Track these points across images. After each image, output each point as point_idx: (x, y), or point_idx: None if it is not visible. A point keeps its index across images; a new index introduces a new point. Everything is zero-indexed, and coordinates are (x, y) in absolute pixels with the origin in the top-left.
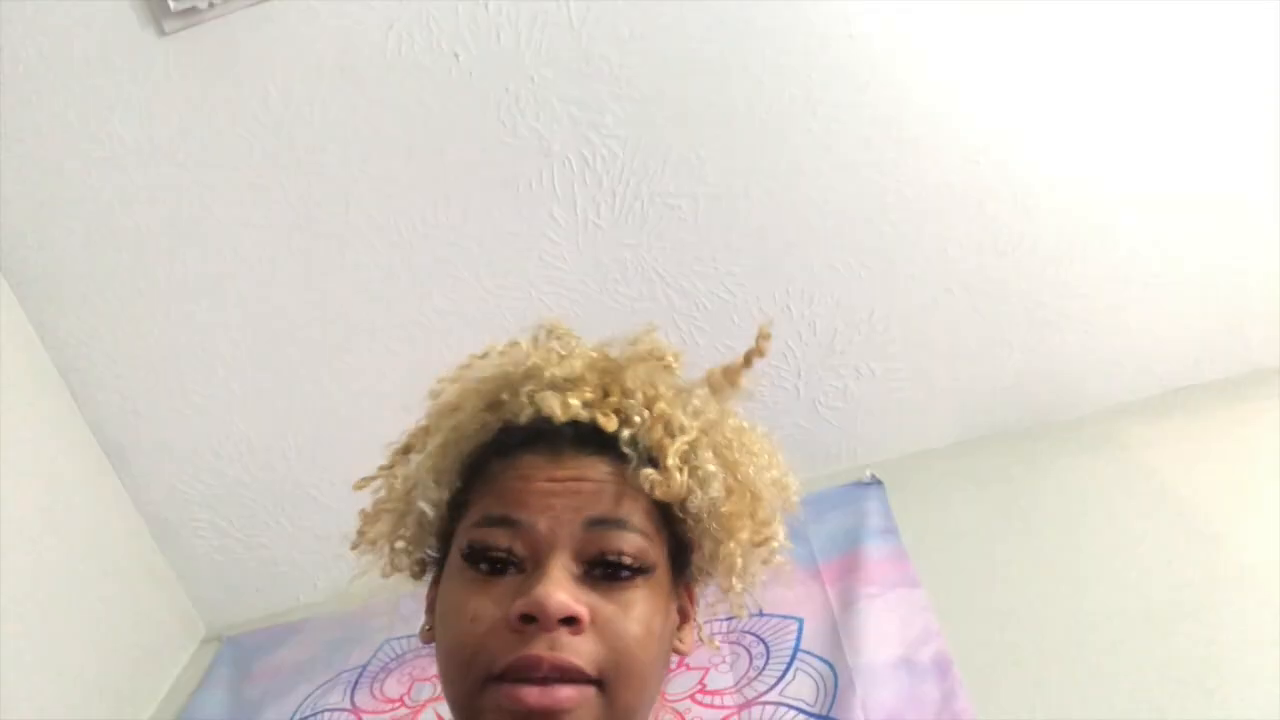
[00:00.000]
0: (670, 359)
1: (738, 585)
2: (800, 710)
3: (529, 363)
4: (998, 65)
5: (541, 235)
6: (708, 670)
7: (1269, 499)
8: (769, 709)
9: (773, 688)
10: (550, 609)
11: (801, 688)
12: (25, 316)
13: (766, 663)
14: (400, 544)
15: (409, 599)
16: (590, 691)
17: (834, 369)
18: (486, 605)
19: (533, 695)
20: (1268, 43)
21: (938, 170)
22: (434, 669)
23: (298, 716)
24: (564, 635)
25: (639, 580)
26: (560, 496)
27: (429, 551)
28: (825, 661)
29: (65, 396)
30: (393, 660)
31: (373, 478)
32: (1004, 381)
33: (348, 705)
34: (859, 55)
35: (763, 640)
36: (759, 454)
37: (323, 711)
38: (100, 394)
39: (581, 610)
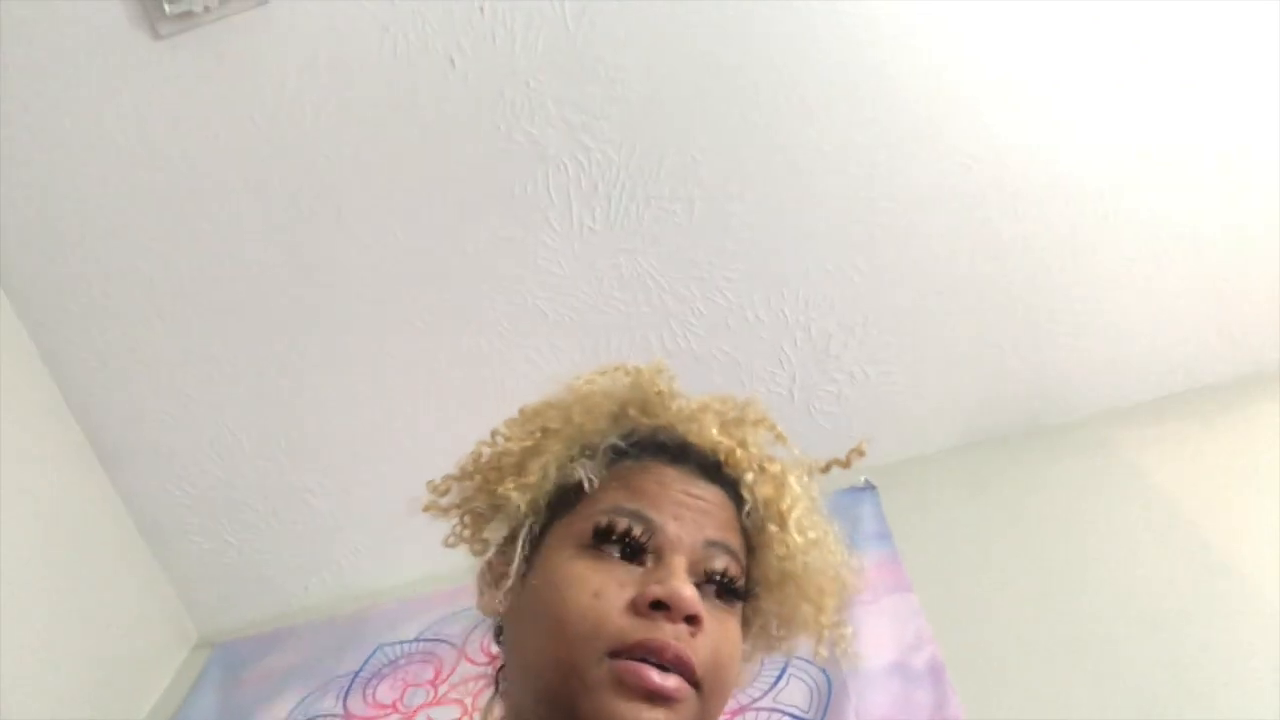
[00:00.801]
0: (780, 431)
1: (811, 648)
2: (794, 716)
3: (662, 383)
4: (992, 69)
5: (536, 239)
6: None
7: (1264, 504)
8: (763, 715)
9: (766, 694)
10: (685, 603)
11: (795, 694)
12: (18, 319)
13: (760, 669)
14: (469, 518)
15: (401, 605)
16: (692, 693)
17: (828, 373)
18: (610, 584)
19: (654, 676)
20: (1268, 52)
21: (932, 174)
22: (425, 675)
23: None
24: (684, 630)
25: (735, 606)
26: (689, 510)
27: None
28: (818, 667)
29: (57, 399)
30: (385, 665)
31: (488, 442)
32: (998, 386)
33: (340, 711)
34: (853, 59)
35: None
36: (839, 545)
37: (315, 717)
38: (92, 397)
39: (704, 613)
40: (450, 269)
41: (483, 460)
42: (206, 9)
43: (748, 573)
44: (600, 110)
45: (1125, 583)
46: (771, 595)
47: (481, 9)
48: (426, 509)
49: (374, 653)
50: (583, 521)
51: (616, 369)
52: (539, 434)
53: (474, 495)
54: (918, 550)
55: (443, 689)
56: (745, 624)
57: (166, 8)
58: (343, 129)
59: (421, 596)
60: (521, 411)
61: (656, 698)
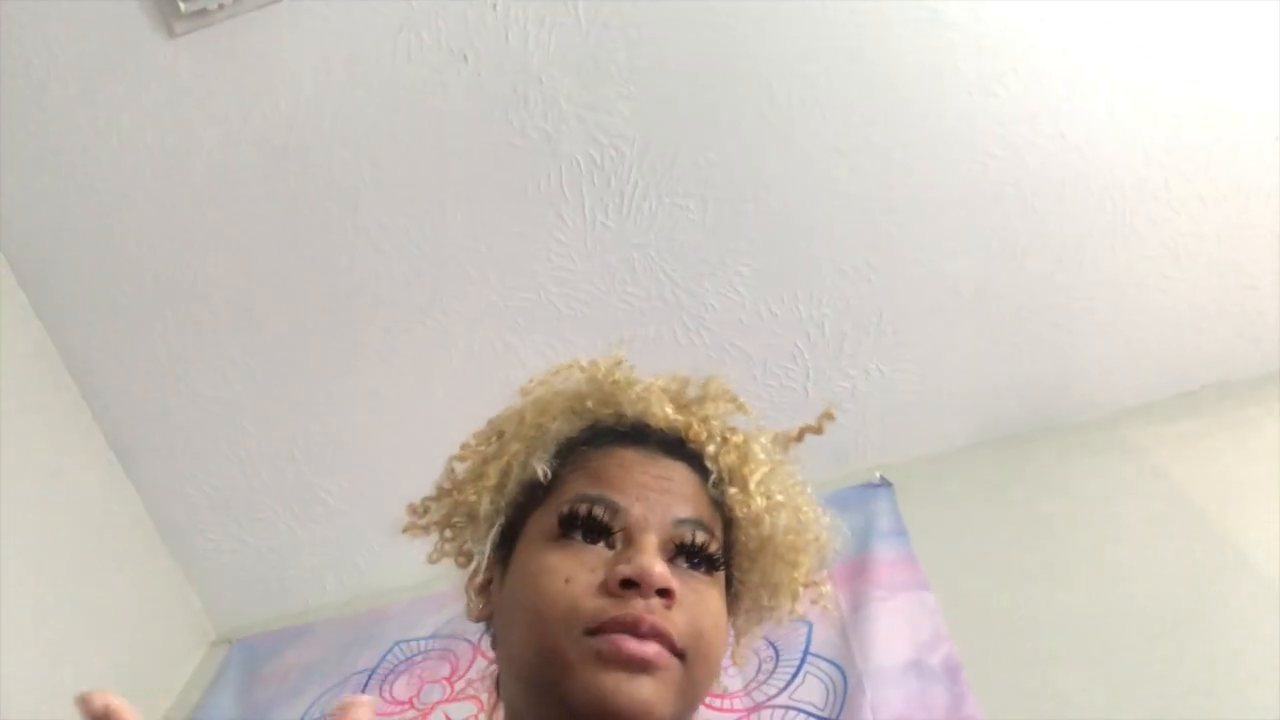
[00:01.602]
0: (743, 403)
1: (789, 609)
2: (810, 714)
3: (619, 374)
4: (1007, 68)
5: (550, 236)
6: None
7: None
8: (779, 712)
9: (782, 691)
10: (653, 577)
11: (811, 691)
12: (37, 319)
13: (776, 666)
14: (449, 532)
15: (417, 602)
16: (675, 661)
17: (843, 370)
18: (579, 569)
19: (631, 644)
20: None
21: (949, 173)
22: (442, 671)
23: (307, 719)
24: (658, 603)
25: (713, 575)
26: (654, 491)
27: (477, 542)
28: (835, 664)
29: (76, 399)
30: (402, 662)
31: (459, 456)
32: (1014, 384)
33: None
34: (868, 59)
35: (772, 643)
36: (805, 507)
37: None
38: (111, 396)
39: (676, 585)
40: (464, 266)
41: (454, 474)
42: (221, 6)
43: (727, 544)
44: (613, 108)
45: (1143, 581)
46: (754, 564)
47: (494, 7)
48: (405, 530)
49: (390, 650)
50: (549, 515)
51: (570, 366)
52: (495, 438)
53: (448, 509)
54: (934, 548)
55: (459, 685)
56: (735, 599)
57: (181, 5)
58: (357, 126)
59: (437, 594)
60: (487, 422)
61: (636, 665)
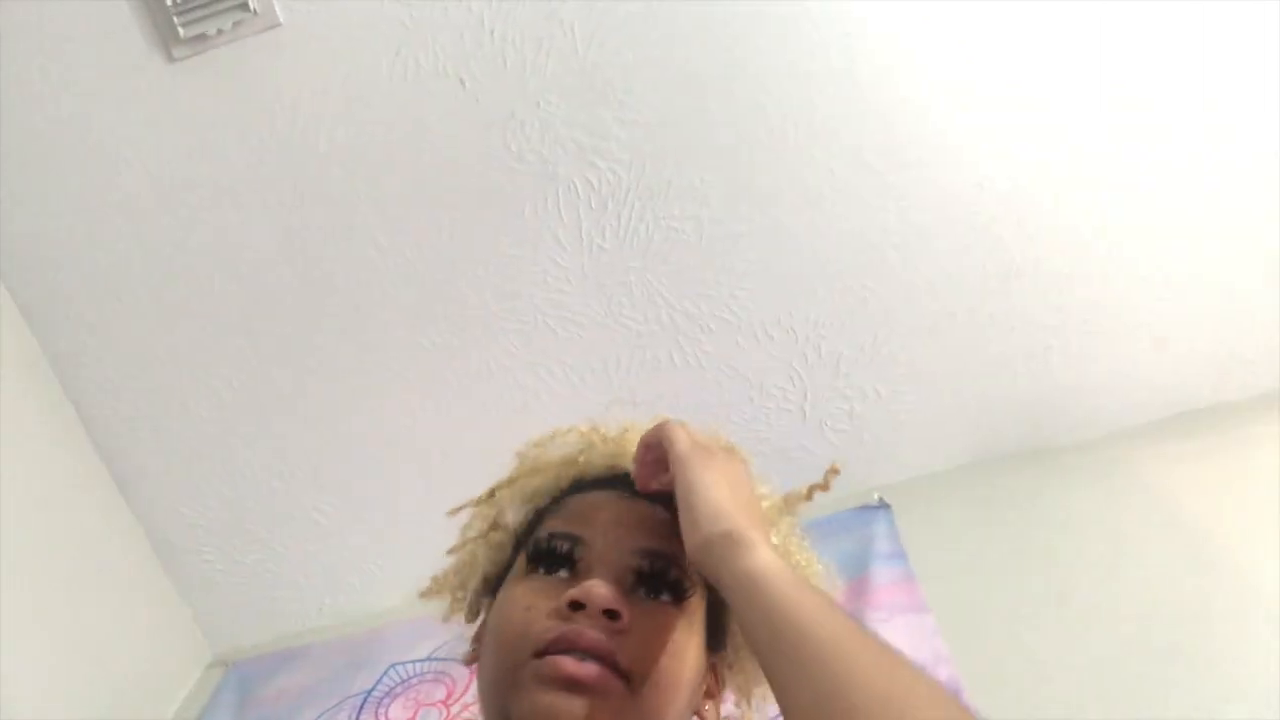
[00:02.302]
0: (744, 455)
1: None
2: None
3: (610, 433)
4: (1004, 90)
5: (546, 258)
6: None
7: (1276, 523)
8: None
9: (779, 715)
10: (597, 598)
11: None
12: (33, 339)
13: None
14: (461, 593)
15: (413, 623)
16: (619, 684)
17: (840, 391)
18: (539, 598)
19: (569, 664)
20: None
21: (943, 194)
22: (438, 694)
23: None
24: (605, 624)
25: (676, 606)
26: (620, 526)
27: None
28: None
29: (72, 419)
30: (398, 685)
31: (461, 507)
32: (1011, 404)
33: None
34: (863, 80)
35: None
36: (819, 573)
37: None
38: (106, 417)
39: (624, 607)
40: (461, 288)
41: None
42: (220, 31)
43: (718, 600)
44: (609, 131)
45: (1142, 602)
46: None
47: (492, 32)
48: (423, 596)
49: (386, 672)
50: (524, 552)
51: (569, 430)
52: (488, 497)
53: (455, 568)
54: (933, 569)
55: (455, 708)
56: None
57: (180, 30)
58: (354, 149)
59: (434, 616)
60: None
61: (574, 685)
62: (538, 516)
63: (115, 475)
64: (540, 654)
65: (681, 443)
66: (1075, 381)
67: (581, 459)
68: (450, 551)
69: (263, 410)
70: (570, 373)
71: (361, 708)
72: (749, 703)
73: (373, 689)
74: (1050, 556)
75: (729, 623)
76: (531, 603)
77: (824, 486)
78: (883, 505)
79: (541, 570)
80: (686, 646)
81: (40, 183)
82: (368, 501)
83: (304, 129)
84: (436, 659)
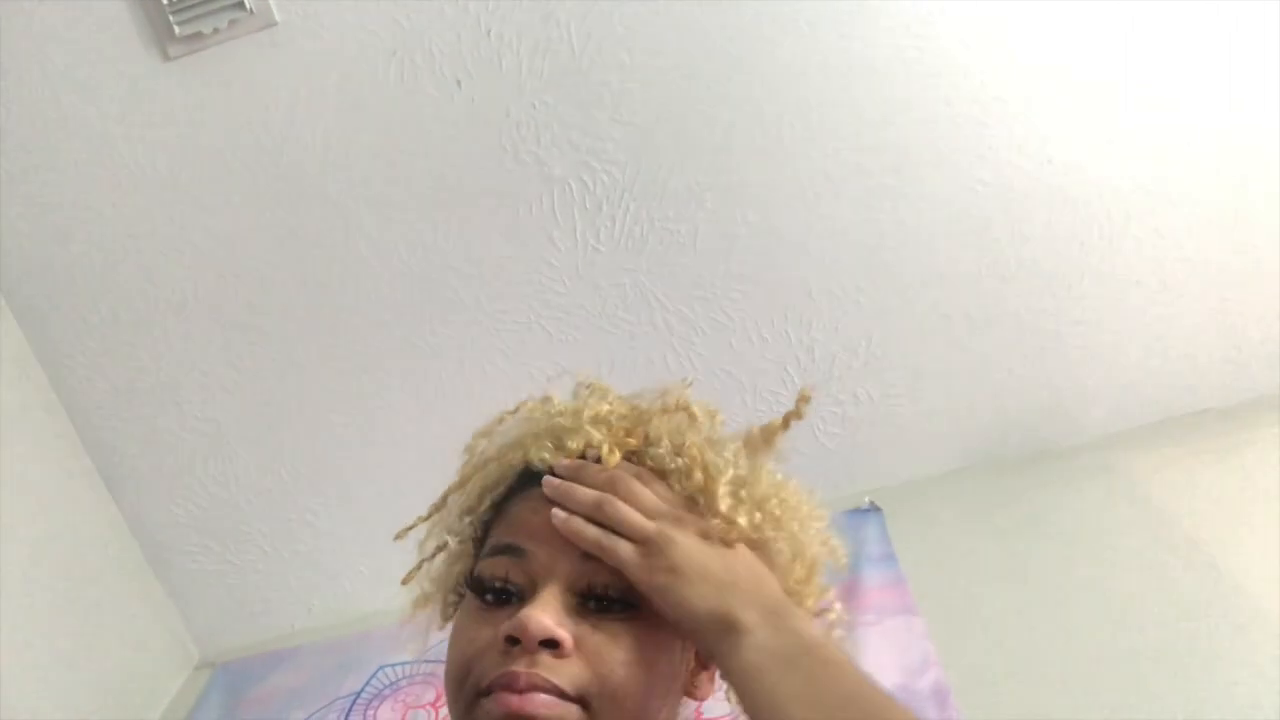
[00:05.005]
0: (697, 410)
1: None
2: None
3: (555, 408)
4: (1001, 94)
5: (541, 259)
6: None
7: (1269, 528)
8: None
9: None
10: (531, 630)
11: None
12: (24, 339)
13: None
14: (436, 594)
15: (402, 625)
16: (573, 709)
17: (832, 395)
18: (484, 630)
19: (513, 701)
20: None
21: (936, 197)
22: (427, 696)
23: None
24: (545, 657)
25: (630, 614)
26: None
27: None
28: None
29: (61, 417)
30: (386, 687)
31: (411, 528)
32: (1003, 408)
33: None
34: (858, 83)
35: None
36: (801, 509)
37: None
38: (96, 416)
39: (561, 635)
40: (455, 289)
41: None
42: (216, 30)
43: None
44: (605, 132)
45: (1133, 607)
46: None
47: (488, 32)
48: (416, 608)
49: (375, 674)
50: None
51: (515, 410)
52: (440, 507)
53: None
54: (923, 572)
55: (443, 711)
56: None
57: (176, 29)
58: (350, 151)
59: (423, 618)
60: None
61: (521, 717)
62: (495, 511)
63: (104, 475)
64: (483, 694)
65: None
66: (1066, 386)
67: (528, 442)
68: (405, 581)
69: (254, 410)
70: (564, 375)
71: (350, 710)
72: None
73: (361, 691)
74: (1042, 560)
75: None
76: (474, 636)
77: (798, 414)
78: (874, 509)
79: (488, 598)
80: (647, 647)
81: (32, 179)
82: (358, 502)
83: (299, 129)
84: (426, 661)
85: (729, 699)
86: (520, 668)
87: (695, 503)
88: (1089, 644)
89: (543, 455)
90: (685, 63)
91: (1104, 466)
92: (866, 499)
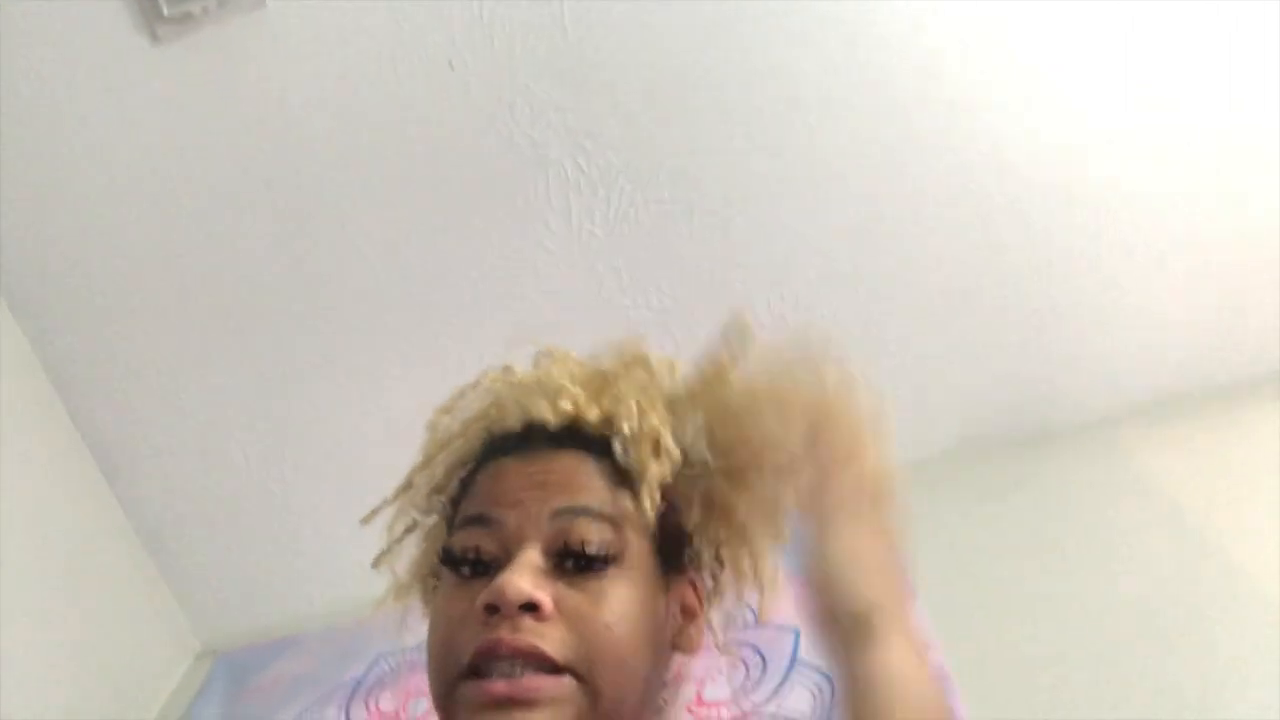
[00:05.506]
0: (654, 361)
1: (749, 570)
2: None
3: (518, 376)
4: (997, 73)
5: (537, 244)
6: (704, 681)
7: (1272, 506)
8: None
9: (770, 699)
10: (508, 595)
11: (799, 699)
12: (19, 329)
13: (763, 673)
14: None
15: (401, 612)
16: (567, 681)
17: None
18: (461, 603)
19: (499, 686)
20: (1272, 53)
21: (933, 177)
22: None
23: None
24: (527, 621)
25: (611, 570)
26: (529, 490)
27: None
28: (822, 673)
29: (58, 407)
30: (388, 674)
31: (377, 511)
32: (1001, 388)
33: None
34: (855, 67)
35: (759, 650)
36: (776, 411)
37: None
38: (93, 405)
39: (540, 596)
40: (451, 274)
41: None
42: (205, 10)
43: (674, 521)
44: (600, 115)
45: (1134, 588)
46: (710, 520)
47: (481, 15)
48: (396, 599)
49: (377, 662)
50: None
51: (475, 384)
52: (405, 487)
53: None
54: (921, 555)
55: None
56: (702, 573)
57: (165, 9)
58: (343, 134)
59: (412, 605)
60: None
61: (511, 704)
62: (463, 488)
63: (102, 464)
64: (468, 673)
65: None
66: (1065, 365)
67: (492, 413)
68: (376, 564)
69: (254, 399)
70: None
71: (351, 698)
72: (757, 584)
73: (363, 678)
74: (1042, 542)
75: (690, 535)
76: (452, 610)
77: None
78: None
79: (464, 571)
80: (632, 603)
81: (25, 166)
82: (359, 492)
83: (291, 111)
84: (422, 649)
85: (728, 680)
86: (503, 634)
87: None
88: (1091, 626)
89: (535, 406)
90: (679, 45)
91: (1105, 446)
92: None
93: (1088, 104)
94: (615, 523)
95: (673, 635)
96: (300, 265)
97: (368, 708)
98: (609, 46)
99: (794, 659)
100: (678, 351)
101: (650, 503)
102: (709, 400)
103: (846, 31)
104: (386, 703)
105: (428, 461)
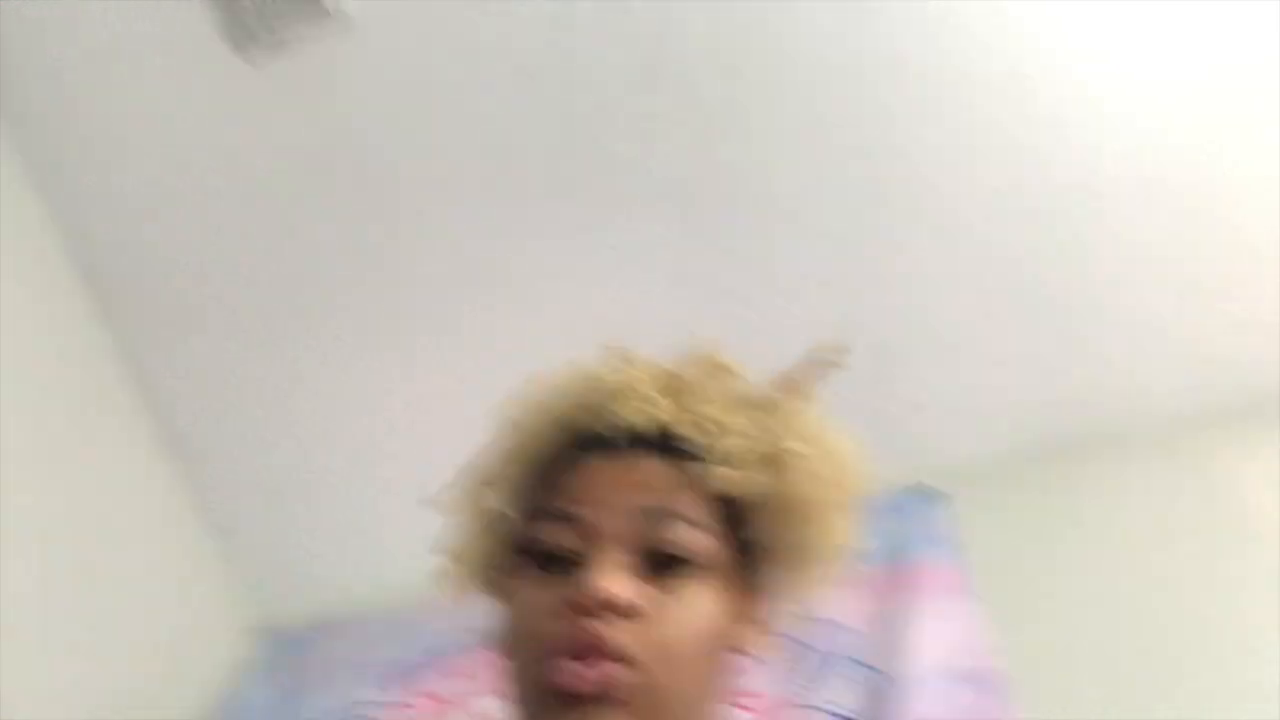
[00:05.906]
0: (734, 368)
1: (816, 581)
2: (840, 717)
3: (601, 377)
4: (1056, 66)
5: (609, 245)
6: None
7: None
8: (809, 714)
9: (814, 693)
10: (595, 594)
11: (843, 694)
12: (105, 327)
13: (809, 667)
14: (473, 563)
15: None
16: (642, 678)
17: (889, 377)
18: (544, 597)
19: (582, 681)
20: None
21: (1000, 174)
22: (475, 668)
23: (344, 711)
24: (610, 619)
25: (690, 572)
26: (615, 491)
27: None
28: (869, 667)
29: (132, 390)
30: (438, 657)
31: (443, 494)
32: (1065, 391)
33: (394, 700)
34: (883, 58)
35: (805, 644)
36: (836, 451)
37: (368, 705)
38: (160, 385)
39: (626, 597)
40: (521, 270)
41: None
42: (295, 35)
43: (738, 531)
44: (678, 121)
45: (1202, 599)
46: (784, 537)
47: (558, 20)
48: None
49: (427, 643)
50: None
51: (554, 375)
52: (476, 472)
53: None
54: (981, 555)
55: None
56: (763, 583)
57: (251, 32)
58: (423, 149)
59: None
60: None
61: (587, 700)
62: (540, 482)
63: (166, 441)
64: (551, 666)
65: None
66: (1133, 368)
67: (576, 414)
68: (440, 551)
69: (319, 381)
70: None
71: (402, 678)
72: (818, 588)
73: (414, 660)
74: (1105, 547)
75: (759, 543)
76: (535, 602)
77: (834, 361)
78: (932, 490)
79: (546, 564)
80: (706, 607)
81: (118, 182)
82: (420, 476)
83: (372, 127)
84: (474, 631)
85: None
86: (590, 630)
87: None
88: (1153, 633)
89: (625, 410)
90: (753, 44)
91: (1180, 451)
92: (925, 481)
93: (1155, 102)
94: (696, 526)
95: (738, 638)
96: (371, 257)
97: (419, 689)
98: (686, 52)
99: (840, 654)
100: (745, 357)
101: (727, 510)
102: (786, 424)
103: (874, 25)
104: (438, 684)
105: (501, 452)
